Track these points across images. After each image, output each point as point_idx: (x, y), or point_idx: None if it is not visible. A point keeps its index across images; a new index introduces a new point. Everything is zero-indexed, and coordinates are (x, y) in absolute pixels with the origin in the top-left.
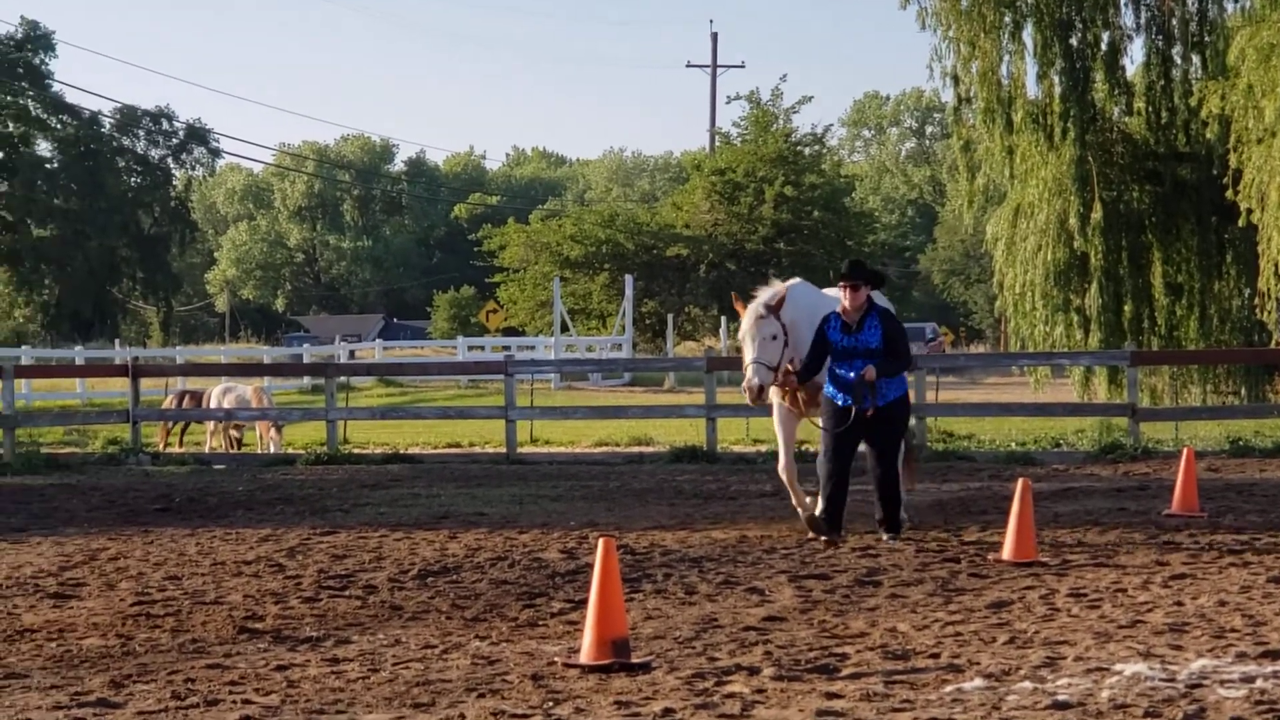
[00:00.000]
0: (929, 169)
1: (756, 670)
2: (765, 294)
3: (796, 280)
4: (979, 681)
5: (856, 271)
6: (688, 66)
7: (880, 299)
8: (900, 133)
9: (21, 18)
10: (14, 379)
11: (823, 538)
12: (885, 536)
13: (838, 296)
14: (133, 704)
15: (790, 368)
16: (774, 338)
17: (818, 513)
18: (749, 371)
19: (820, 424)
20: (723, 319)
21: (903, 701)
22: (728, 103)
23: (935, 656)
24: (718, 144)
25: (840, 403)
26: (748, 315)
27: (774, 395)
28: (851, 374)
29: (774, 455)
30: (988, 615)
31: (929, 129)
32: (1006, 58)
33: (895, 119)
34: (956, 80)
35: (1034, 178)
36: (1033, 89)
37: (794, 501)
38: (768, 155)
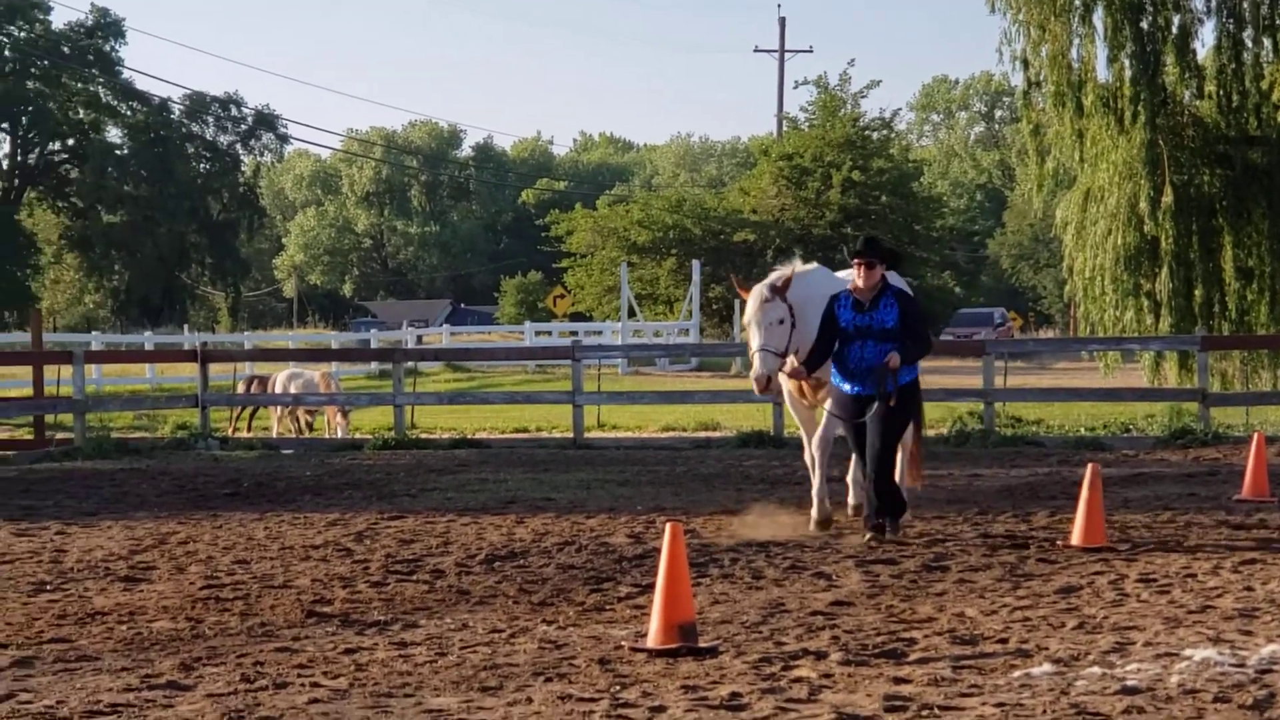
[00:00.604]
0: (998, 153)
1: (824, 655)
2: (771, 276)
3: (814, 265)
4: (1047, 666)
5: (872, 248)
6: (755, 51)
7: (896, 280)
8: (969, 117)
9: (92, 5)
10: (84, 364)
11: (869, 537)
12: (887, 530)
13: (851, 278)
14: (202, 686)
15: (796, 357)
16: (780, 322)
17: (861, 505)
18: (755, 360)
19: (832, 411)
20: None
21: (971, 686)
22: (795, 87)
23: (1004, 641)
24: (785, 129)
25: (849, 390)
26: (752, 299)
27: (785, 383)
28: (864, 357)
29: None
30: (1056, 600)
31: (998, 113)
32: (1077, 41)
33: (964, 103)
34: (1026, 64)
35: (1104, 161)
36: (1103, 72)
37: (814, 492)
38: (835, 140)
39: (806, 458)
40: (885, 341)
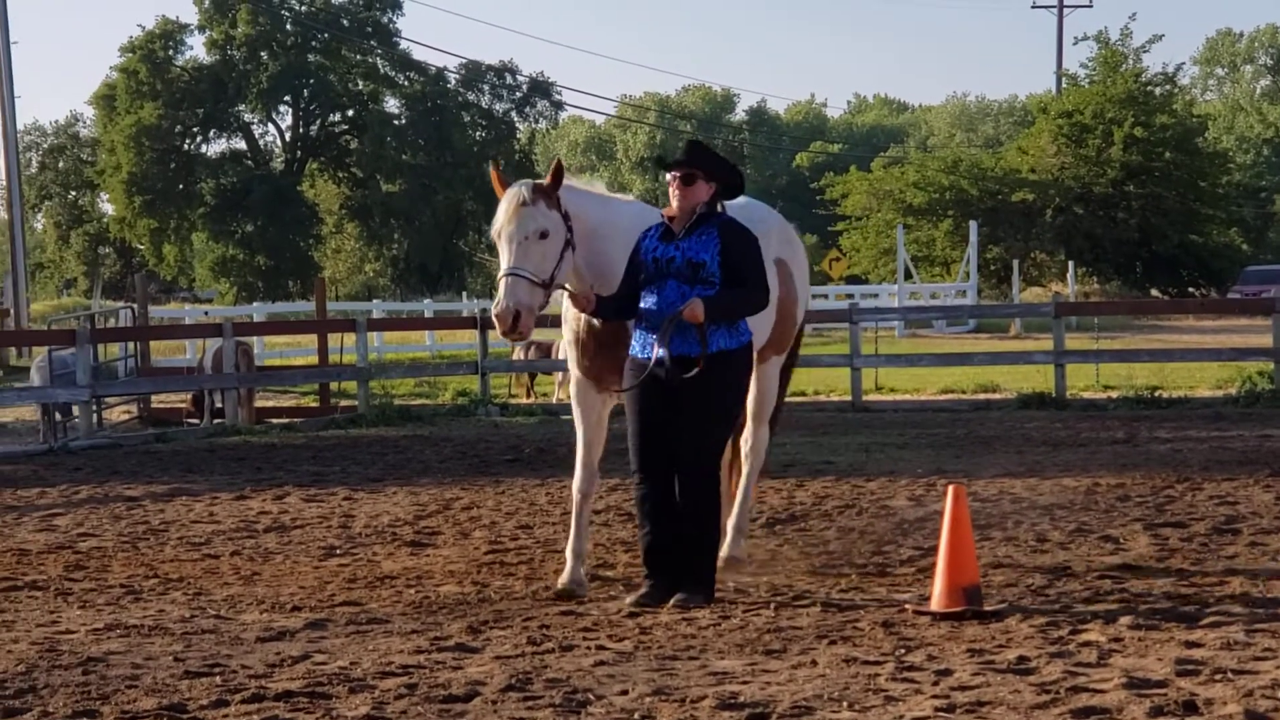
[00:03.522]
0: None
1: (1113, 619)
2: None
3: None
4: None
5: (694, 155)
6: (1033, 8)
7: (766, 216)
8: (1255, 70)
9: None
10: (367, 332)
11: (635, 599)
12: (679, 594)
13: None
14: (490, 649)
15: (571, 289)
16: (542, 235)
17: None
18: (501, 287)
19: (619, 388)
20: (1070, 264)
21: (1265, 650)
22: (1075, 44)
23: None
24: (1064, 85)
25: (642, 355)
26: (505, 202)
27: (571, 362)
28: (662, 303)
29: (1124, 402)
30: None
31: None
32: None
33: (1249, 56)
34: None
35: None
36: None
37: (569, 544)
38: (1116, 96)
39: (575, 482)
40: (696, 285)
